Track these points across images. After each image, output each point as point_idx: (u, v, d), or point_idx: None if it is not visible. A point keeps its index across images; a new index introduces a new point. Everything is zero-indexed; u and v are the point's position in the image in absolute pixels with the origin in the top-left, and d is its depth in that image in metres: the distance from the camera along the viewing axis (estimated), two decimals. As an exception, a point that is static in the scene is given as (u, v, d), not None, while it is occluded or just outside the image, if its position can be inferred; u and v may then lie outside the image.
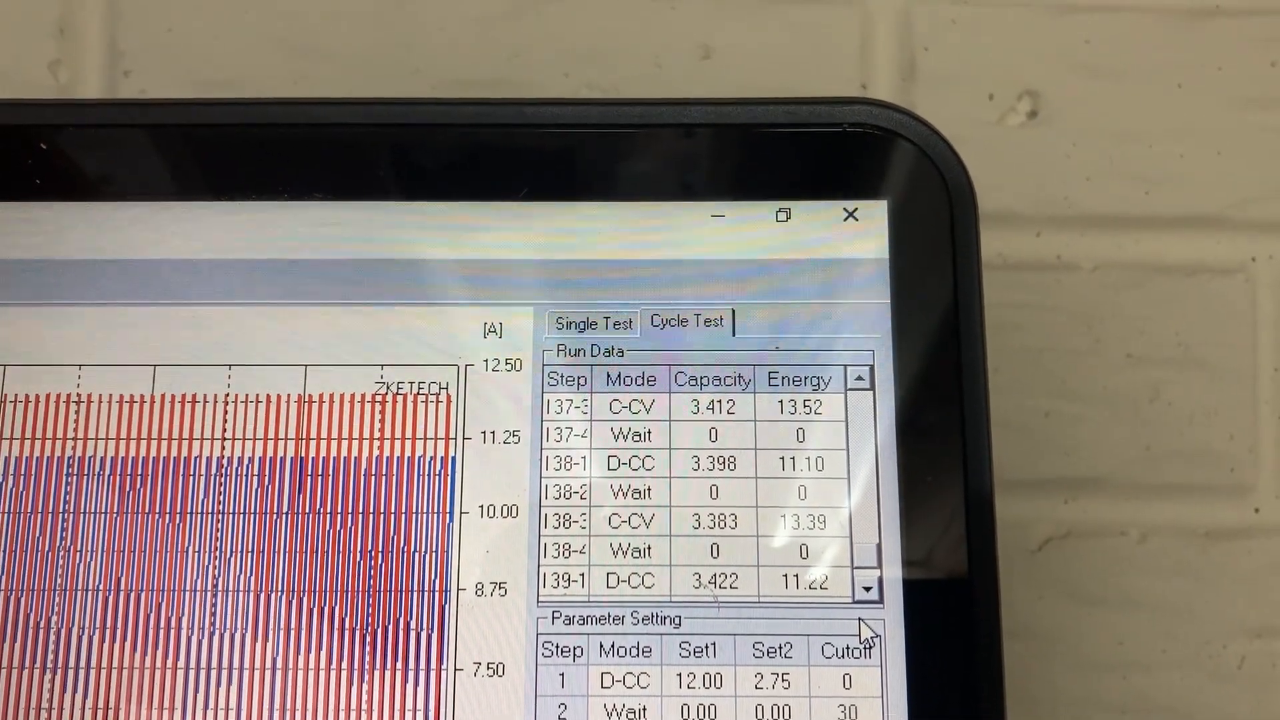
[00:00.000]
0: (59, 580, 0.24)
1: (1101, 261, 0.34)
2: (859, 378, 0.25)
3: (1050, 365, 0.34)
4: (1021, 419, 0.34)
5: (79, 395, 0.25)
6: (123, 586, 0.24)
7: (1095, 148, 0.35)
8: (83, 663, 0.24)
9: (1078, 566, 0.33)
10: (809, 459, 0.25)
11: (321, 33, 0.35)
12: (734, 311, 0.25)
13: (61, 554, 0.24)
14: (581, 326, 0.25)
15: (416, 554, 0.24)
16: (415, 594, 0.24)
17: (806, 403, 0.25)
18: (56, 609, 0.24)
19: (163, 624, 0.24)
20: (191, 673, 0.24)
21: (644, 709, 0.24)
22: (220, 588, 0.24)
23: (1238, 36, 0.35)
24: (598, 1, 0.35)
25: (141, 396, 0.25)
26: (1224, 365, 0.34)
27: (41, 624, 0.24)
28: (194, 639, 0.24)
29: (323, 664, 0.24)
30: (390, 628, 0.24)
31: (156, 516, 0.24)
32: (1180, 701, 0.33)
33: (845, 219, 0.25)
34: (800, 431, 0.25)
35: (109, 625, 0.24)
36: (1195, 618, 0.33)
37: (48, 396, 0.25)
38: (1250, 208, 0.35)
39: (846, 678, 0.24)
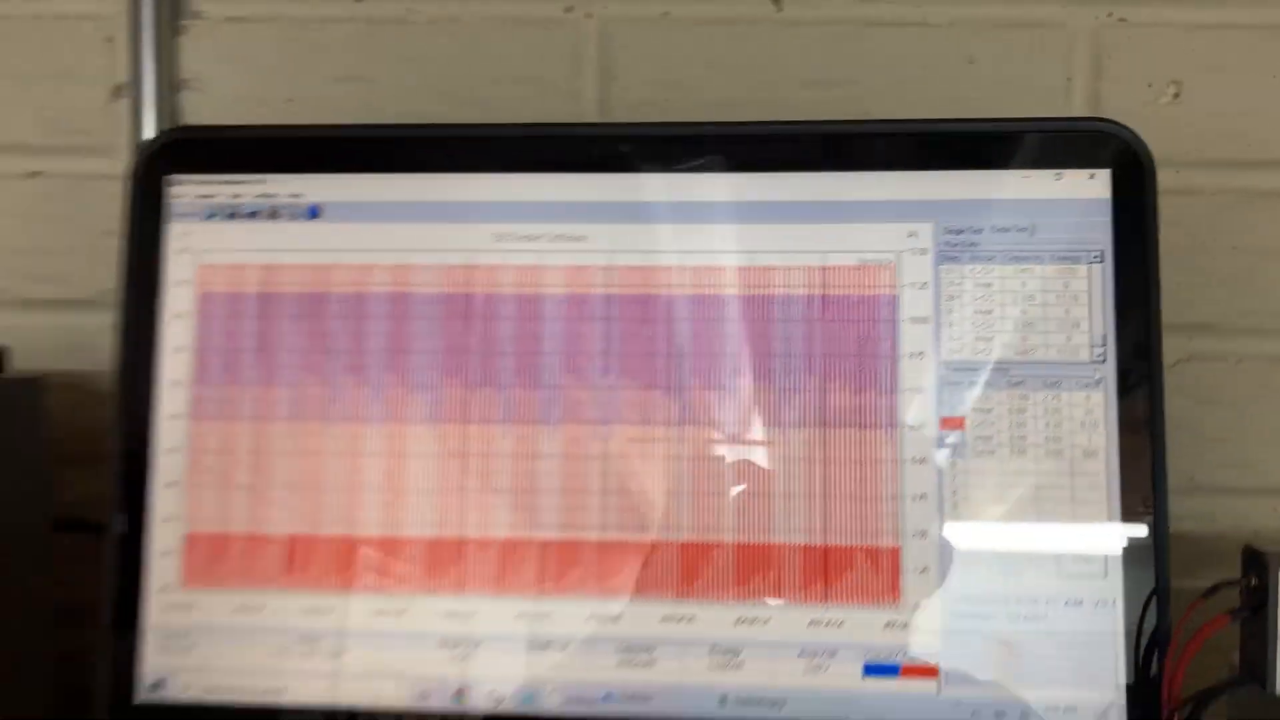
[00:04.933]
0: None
1: (1216, 190, 0.55)
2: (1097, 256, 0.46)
3: (1175, 254, 0.54)
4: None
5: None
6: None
7: (1216, 118, 0.55)
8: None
9: (1196, 379, 0.55)
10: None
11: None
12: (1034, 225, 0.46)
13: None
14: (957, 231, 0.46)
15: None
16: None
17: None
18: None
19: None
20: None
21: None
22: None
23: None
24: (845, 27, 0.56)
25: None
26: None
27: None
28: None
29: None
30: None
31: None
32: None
33: (1090, 178, 0.46)
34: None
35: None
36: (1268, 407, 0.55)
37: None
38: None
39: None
